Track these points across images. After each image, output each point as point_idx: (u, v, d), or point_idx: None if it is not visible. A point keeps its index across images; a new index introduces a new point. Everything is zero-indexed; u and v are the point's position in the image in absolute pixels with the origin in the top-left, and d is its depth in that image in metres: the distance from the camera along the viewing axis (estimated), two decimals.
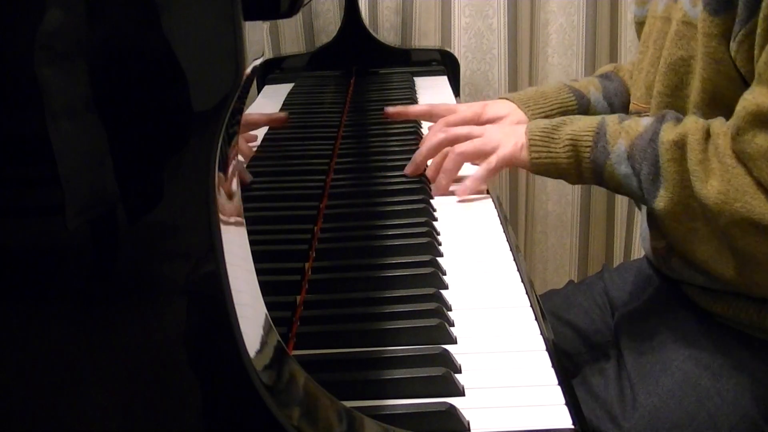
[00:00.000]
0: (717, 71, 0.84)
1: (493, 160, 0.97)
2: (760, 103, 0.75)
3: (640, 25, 1.06)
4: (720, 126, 0.81)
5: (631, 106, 1.04)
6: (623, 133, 0.87)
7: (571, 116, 0.94)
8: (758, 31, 0.77)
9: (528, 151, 0.93)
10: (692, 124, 0.82)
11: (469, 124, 1.07)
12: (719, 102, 0.84)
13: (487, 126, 1.05)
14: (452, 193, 1.01)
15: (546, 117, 1.12)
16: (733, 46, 0.81)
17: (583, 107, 1.15)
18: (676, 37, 0.88)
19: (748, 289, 0.83)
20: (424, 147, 1.03)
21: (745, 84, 0.82)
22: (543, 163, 0.93)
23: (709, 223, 0.80)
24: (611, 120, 0.90)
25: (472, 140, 0.99)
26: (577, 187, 1.93)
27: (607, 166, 0.87)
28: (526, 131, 0.94)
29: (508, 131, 0.98)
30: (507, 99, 1.16)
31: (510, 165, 0.98)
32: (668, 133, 0.82)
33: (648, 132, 0.85)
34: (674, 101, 0.90)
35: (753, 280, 0.80)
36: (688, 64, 0.87)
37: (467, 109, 1.15)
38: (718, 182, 0.78)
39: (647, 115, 0.98)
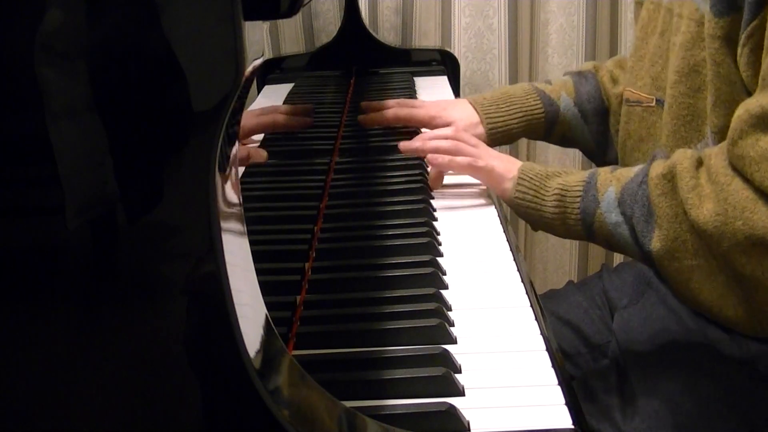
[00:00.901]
0: (717, 74, 0.83)
1: (480, 163, 0.97)
2: (765, 104, 0.74)
3: (639, 5, 1.05)
4: (711, 149, 0.80)
5: (628, 94, 1.03)
6: (614, 180, 0.85)
7: (566, 169, 0.93)
8: (766, 34, 0.76)
9: (514, 186, 0.92)
10: (680, 154, 0.81)
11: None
12: (721, 106, 0.84)
13: (490, 150, 1.03)
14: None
15: (505, 124, 1.12)
16: (738, 50, 0.80)
17: (551, 115, 1.14)
18: (698, 38, 0.87)
19: (762, 327, 0.81)
20: (431, 146, 1.02)
21: (745, 91, 0.81)
22: (524, 206, 0.92)
23: (710, 257, 0.77)
24: (603, 170, 0.89)
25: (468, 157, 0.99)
26: None
27: (597, 216, 0.85)
28: (520, 168, 0.93)
29: (506, 159, 0.98)
30: (470, 102, 1.15)
31: (492, 184, 0.97)
32: (656, 168, 0.81)
33: (639, 176, 0.83)
34: (695, 102, 0.89)
35: (764, 313, 0.78)
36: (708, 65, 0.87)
37: (431, 107, 1.16)
38: (714, 204, 0.76)
39: (650, 106, 0.97)
